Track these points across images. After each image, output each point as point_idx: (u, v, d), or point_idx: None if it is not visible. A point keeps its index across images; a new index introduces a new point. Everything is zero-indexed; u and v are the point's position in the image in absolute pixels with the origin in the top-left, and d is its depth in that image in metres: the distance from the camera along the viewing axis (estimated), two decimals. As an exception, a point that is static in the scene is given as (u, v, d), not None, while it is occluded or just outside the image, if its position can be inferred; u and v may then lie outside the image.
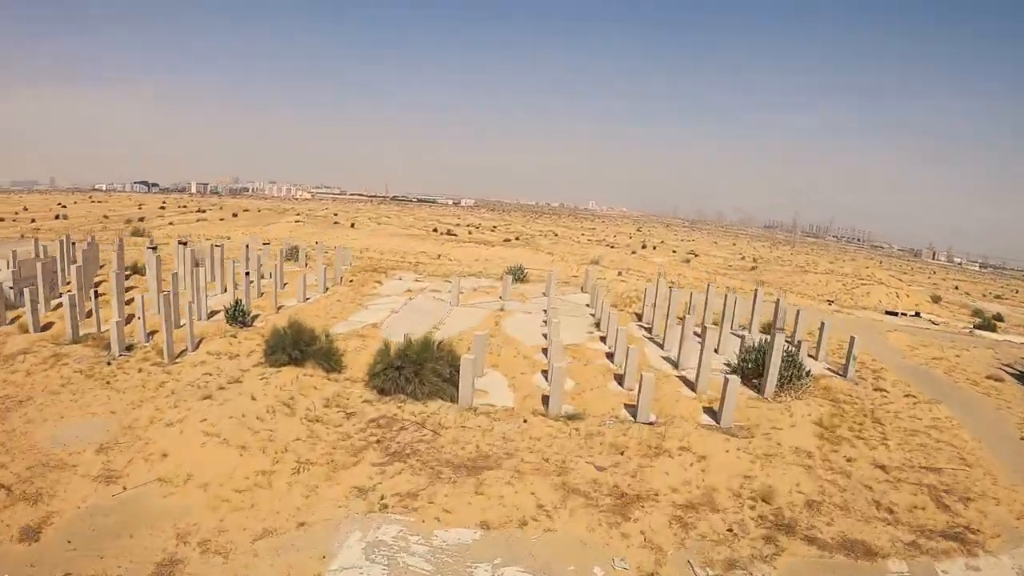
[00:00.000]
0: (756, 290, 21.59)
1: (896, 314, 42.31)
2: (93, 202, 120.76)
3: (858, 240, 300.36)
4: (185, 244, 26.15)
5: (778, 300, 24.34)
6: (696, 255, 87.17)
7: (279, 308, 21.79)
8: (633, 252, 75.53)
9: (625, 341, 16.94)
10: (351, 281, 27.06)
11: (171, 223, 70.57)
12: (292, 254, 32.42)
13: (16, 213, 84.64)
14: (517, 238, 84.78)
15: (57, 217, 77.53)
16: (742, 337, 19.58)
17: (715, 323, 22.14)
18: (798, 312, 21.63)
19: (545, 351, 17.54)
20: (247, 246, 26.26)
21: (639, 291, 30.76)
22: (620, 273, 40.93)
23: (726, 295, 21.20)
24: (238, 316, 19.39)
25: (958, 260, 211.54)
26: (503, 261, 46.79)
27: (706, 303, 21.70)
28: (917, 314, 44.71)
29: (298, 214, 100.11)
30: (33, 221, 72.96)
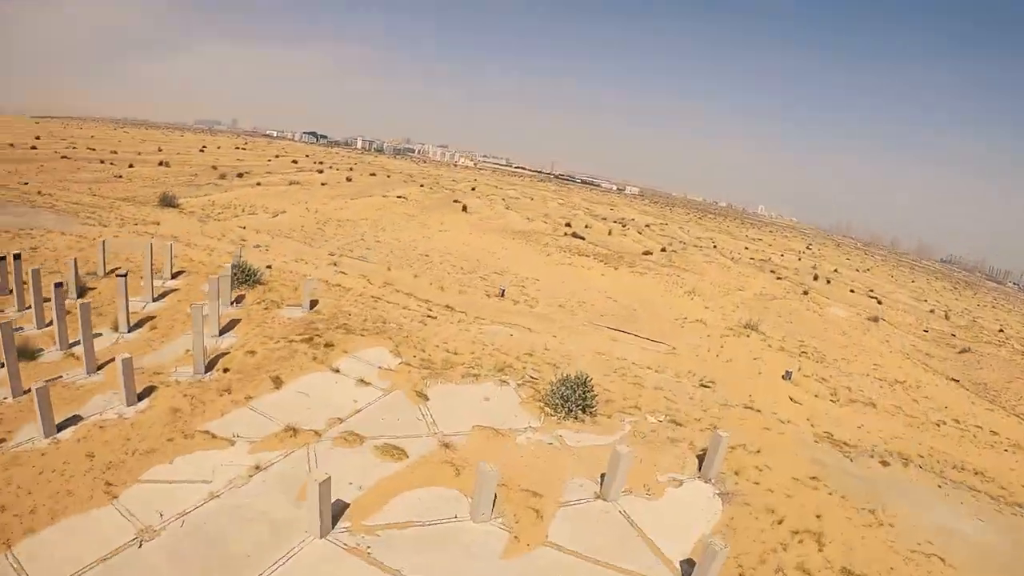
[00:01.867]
0: None
1: None
2: (237, 148, 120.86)
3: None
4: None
5: None
6: (880, 303, 60.93)
7: None
8: (805, 292, 53.30)
9: None
10: (226, 370, 11.49)
11: (258, 183, 61.29)
12: (249, 275, 17.82)
13: (139, 154, 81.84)
14: (663, 249, 65.09)
15: (161, 164, 71.99)
16: None
17: None
18: None
19: None
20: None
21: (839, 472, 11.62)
22: (788, 373, 21.65)
23: None
24: None
25: None
26: (612, 306, 29.10)
27: None
28: None
29: (421, 185, 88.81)
30: (129, 168, 68.02)
